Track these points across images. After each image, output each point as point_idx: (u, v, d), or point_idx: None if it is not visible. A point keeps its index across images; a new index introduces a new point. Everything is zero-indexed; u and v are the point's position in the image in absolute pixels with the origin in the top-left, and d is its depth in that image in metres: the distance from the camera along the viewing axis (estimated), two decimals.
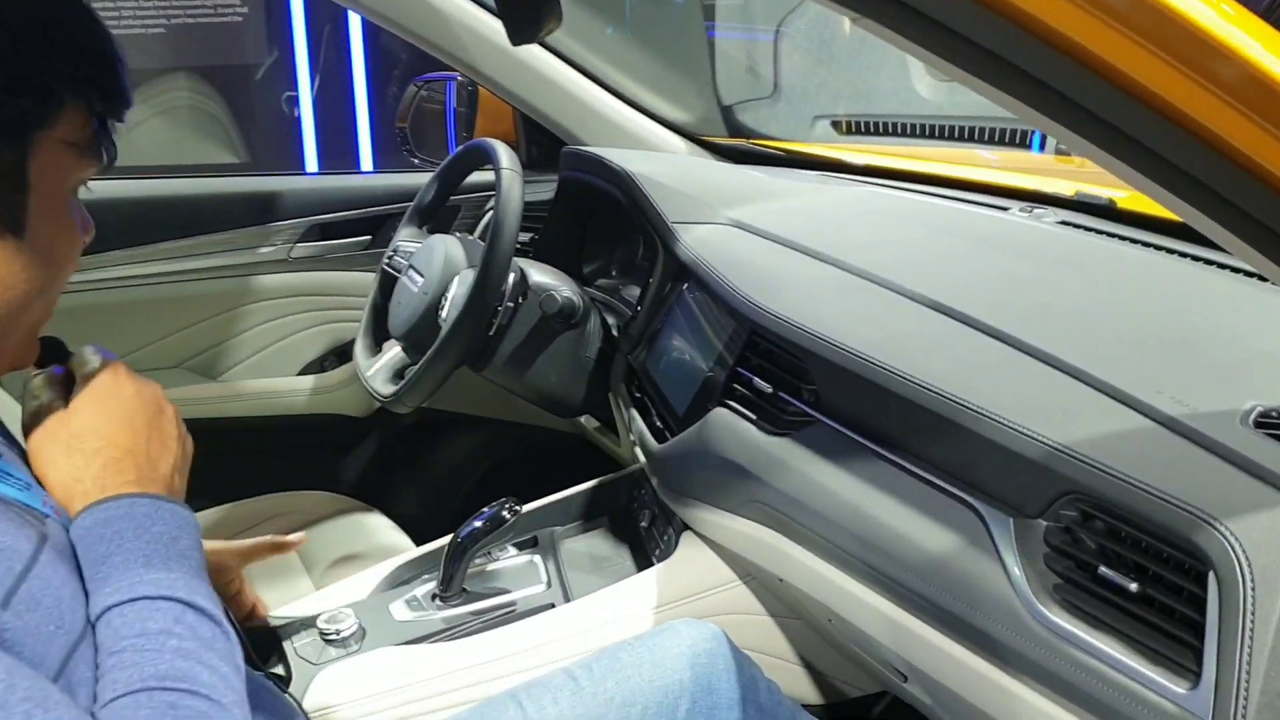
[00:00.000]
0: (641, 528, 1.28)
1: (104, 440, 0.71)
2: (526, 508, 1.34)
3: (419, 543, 1.68)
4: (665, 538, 1.21)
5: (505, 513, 1.17)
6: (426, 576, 1.28)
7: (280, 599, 1.52)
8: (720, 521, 1.09)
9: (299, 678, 1.08)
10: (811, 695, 1.20)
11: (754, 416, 1.04)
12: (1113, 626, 0.68)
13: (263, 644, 1.15)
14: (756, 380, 1.04)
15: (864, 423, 0.91)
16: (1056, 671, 0.70)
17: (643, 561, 1.25)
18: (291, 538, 1.09)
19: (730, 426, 1.06)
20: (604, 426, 1.69)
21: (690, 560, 1.14)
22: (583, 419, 1.72)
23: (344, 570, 1.55)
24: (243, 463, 1.95)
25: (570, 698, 0.93)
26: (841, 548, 0.90)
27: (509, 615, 1.16)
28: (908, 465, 0.85)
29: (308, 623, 1.16)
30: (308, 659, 1.11)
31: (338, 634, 1.12)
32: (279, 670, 1.10)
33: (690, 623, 1.00)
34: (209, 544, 0.86)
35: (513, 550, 1.31)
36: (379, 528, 1.69)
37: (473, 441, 2.02)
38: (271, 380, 1.91)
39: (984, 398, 0.80)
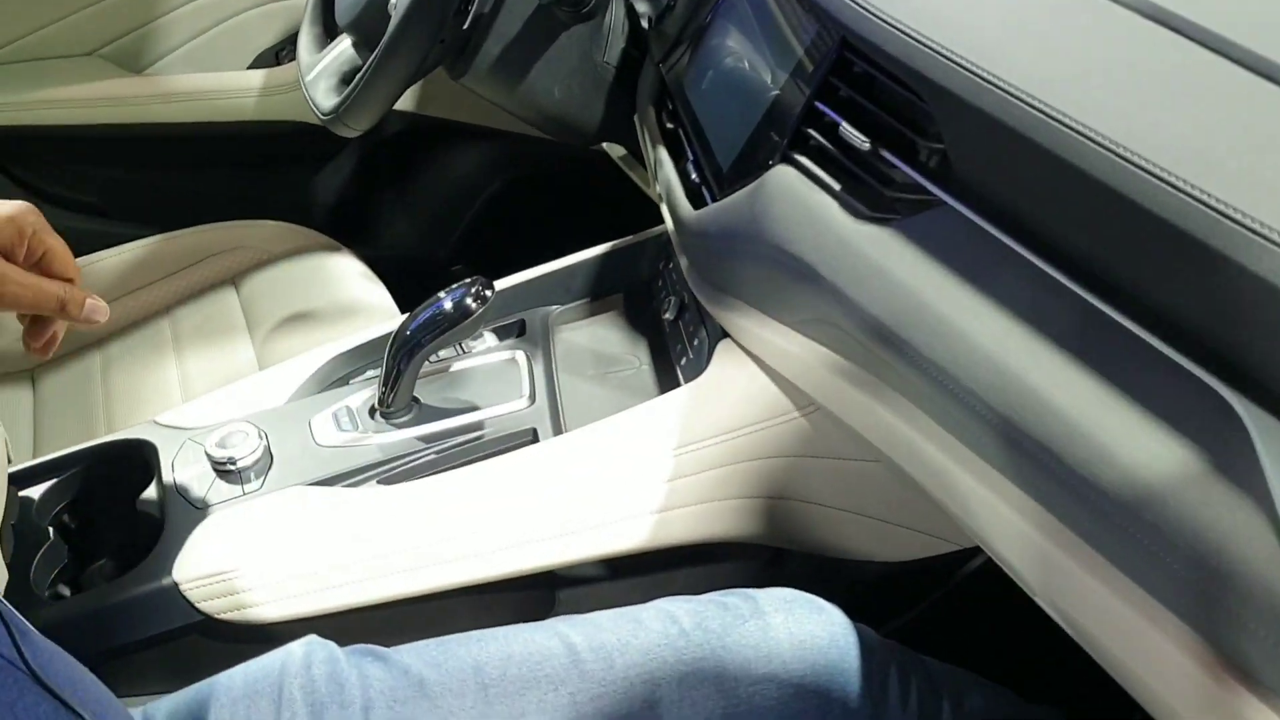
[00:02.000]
0: (665, 320, 0.95)
1: None
2: (512, 280, 1.02)
3: (399, 297, 1.40)
4: (696, 341, 0.88)
5: (470, 300, 0.84)
6: (373, 372, 0.98)
7: (215, 367, 1.25)
8: (772, 339, 0.76)
9: (174, 526, 0.81)
10: (886, 551, 0.91)
11: (836, 186, 0.68)
12: None
13: (131, 464, 0.88)
14: (845, 127, 0.68)
15: (1024, 216, 0.55)
16: None
17: (663, 367, 0.93)
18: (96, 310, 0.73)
19: (797, 197, 0.70)
20: (632, 157, 1.33)
21: (728, 382, 0.82)
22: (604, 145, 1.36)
23: (291, 334, 1.26)
24: (178, 182, 1.64)
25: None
26: (967, 425, 0.57)
27: (468, 447, 0.86)
28: (1102, 306, 0.50)
29: (195, 442, 0.87)
30: (190, 497, 0.83)
31: (231, 463, 0.84)
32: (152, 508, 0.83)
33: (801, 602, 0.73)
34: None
35: (489, 339, 1.00)
36: (347, 274, 1.39)
37: (473, 160, 1.67)
38: (214, 76, 1.55)
39: (1259, 200, 0.44)
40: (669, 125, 0.99)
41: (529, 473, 0.80)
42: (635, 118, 1.12)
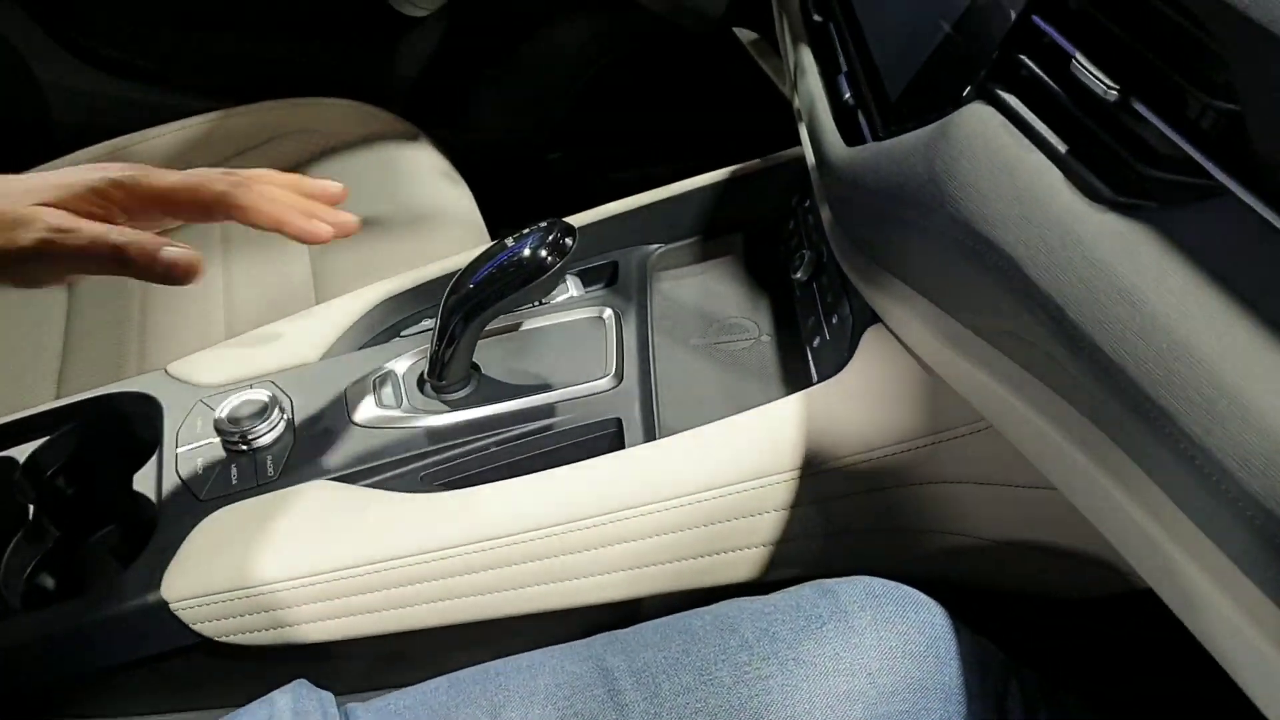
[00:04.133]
0: (796, 280, 0.77)
1: None
2: (603, 211, 0.84)
3: (487, 193, 1.24)
4: (834, 318, 0.70)
5: (545, 251, 0.68)
6: (430, 322, 0.83)
7: (265, 283, 1.11)
8: (941, 343, 0.57)
9: (169, 521, 0.68)
10: (1065, 587, 0.74)
11: (1061, 148, 0.49)
12: None
13: (134, 424, 0.75)
14: (1080, 61, 0.48)
15: None
16: None
17: (789, 344, 0.75)
18: (330, 186, 0.69)
19: (1001, 156, 0.51)
20: (766, 44, 1.12)
21: (878, 386, 0.64)
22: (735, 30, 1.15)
23: (354, 247, 1.11)
24: (244, 48, 1.48)
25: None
26: (1232, 531, 0.40)
27: (536, 439, 0.71)
28: None
29: (206, 405, 0.74)
30: (192, 483, 0.70)
31: (245, 442, 0.70)
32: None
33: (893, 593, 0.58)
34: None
35: (573, 286, 0.83)
36: (425, 171, 1.23)
37: (578, 32, 1.47)
38: None
39: None
40: (817, 18, 0.79)
41: (611, 490, 0.64)
42: (773, 0, 0.91)
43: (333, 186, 0.68)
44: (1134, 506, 0.46)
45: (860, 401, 0.64)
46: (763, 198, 0.85)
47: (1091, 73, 0.47)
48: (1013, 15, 0.53)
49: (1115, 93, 0.46)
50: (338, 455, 0.70)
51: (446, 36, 1.47)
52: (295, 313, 0.87)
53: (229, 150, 1.26)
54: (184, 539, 0.66)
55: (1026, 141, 0.51)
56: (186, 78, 1.49)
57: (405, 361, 0.76)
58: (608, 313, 0.78)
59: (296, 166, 1.24)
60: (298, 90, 1.32)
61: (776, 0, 0.90)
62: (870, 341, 0.65)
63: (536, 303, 0.81)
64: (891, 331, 0.64)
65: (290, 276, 1.11)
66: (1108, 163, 0.47)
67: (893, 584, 0.59)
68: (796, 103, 0.77)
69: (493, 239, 1.11)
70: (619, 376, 0.73)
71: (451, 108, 1.50)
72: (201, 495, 0.69)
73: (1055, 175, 0.49)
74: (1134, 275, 0.43)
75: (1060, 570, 0.71)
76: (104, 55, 1.48)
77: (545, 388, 0.73)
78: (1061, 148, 0.49)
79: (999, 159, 0.51)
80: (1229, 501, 0.39)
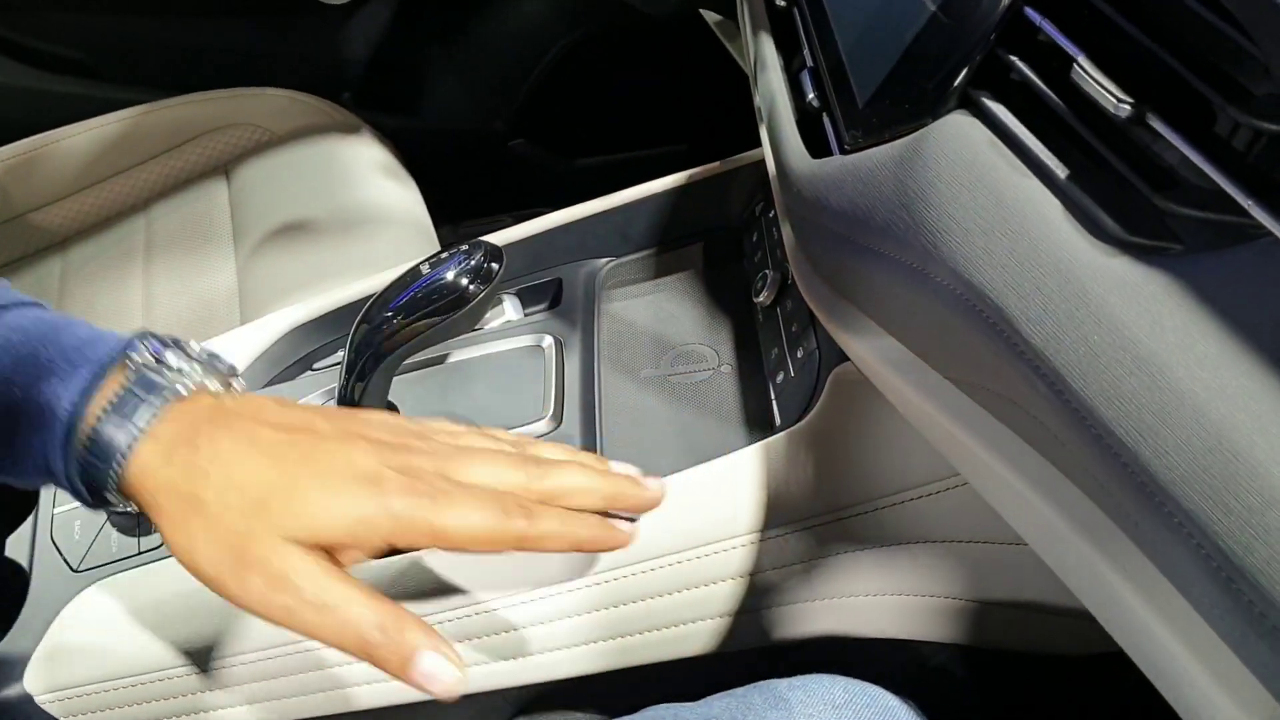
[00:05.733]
0: (758, 304, 0.68)
1: None
2: (545, 222, 0.76)
3: (434, 194, 1.15)
4: (799, 352, 0.62)
5: (468, 279, 0.59)
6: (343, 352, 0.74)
7: (186, 290, 1.03)
8: (917, 396, 0.49)
9: (41, 595, 0.60)
10: (1051, 643, 0.66)
11: (1060, 173, 0.40)
12: None
13: None
14: (1083, 64, 0.40)
15: None
16: None
17: (752, 377, 0.67)
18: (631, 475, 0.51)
19: (987, 181, 0.43)
20: (734, 25, 1.04)
21: (844, 435, 0.56)
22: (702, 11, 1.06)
23: (281, 251, 1.03)
24: (175, 36, 1.38)
25: None
26: (1252, 645, 0.32)
27: None
28: None
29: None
30: (67, 551, 0.62)
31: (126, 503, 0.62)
32: None
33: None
34: None
35: (510, 308, 0.74)
36: (365, 166, 1.15)
37: (539, 9, 1.37)
38: None
39: None
40: (780, 2, 0.70)
41: (545, 561, 0.56)
42: None
43: (632, 472, 0.52)
44: (1143, 607, 0.38)
45: (825, 453, 0.56)
46: (724, 204, 0.77)
47: (1097, 82, 0.39)
48: (1002, 6, 0.45)
49: (1128, 107, 0.38)
50: None
51: (394, 17, 1.37)
52: (219, 331, 0.79)
53: (156, 147, 1.17)
54: (53, 618, 0.58)
55: (1018, 163, 0.42)
56: (113, 69, 1.39)
57: (314, 401, 0.68)
58: (548, 341, 0.70)
59: (224, 166, 1.16)
60: (231, 80, 1.23)
61: None
62: (836, 383, 0.57)
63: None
64: (861, 371, 0.56)
65: (215, 288, 1.03)
66: (1117, 193, 0.39)
67: (858, 686, 0.51)
68: (757, 100, 0.68)
69: (441, 241, 1.02)
70: (557, 419, 0.65)
71: (398, 95, 1.40)
72: (77, 566, 0.61)
73: (1054, 207, 0.40)
74: (1152, 339, 0.35)
75: (1043, 626, 0.63)
76: (27, 47, 1.39)
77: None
78: (1061, 172, 0.40)
79: (984, 185, 0.43)
80: (1271, 633, 0.31)
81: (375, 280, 0.77)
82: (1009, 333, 0.40)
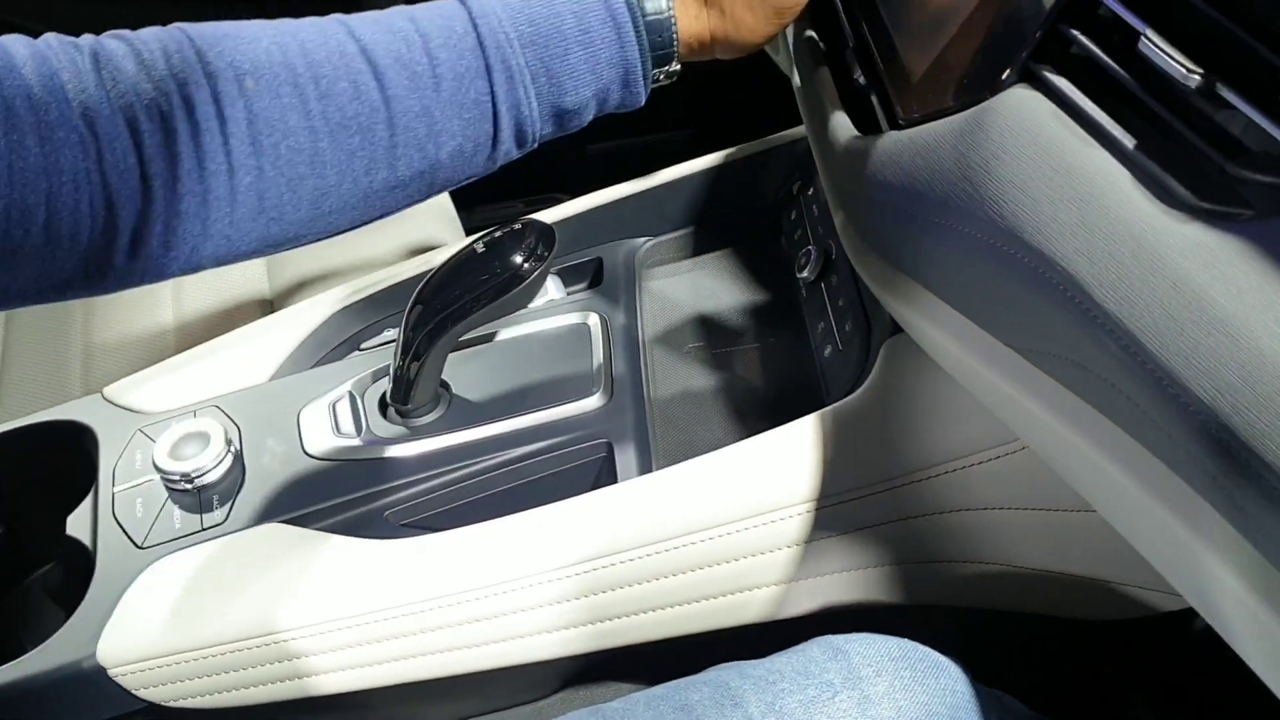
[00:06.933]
0: (802, 279, 0.69)
1: None
2: (584, 202, 0.77)
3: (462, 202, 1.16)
4: (847, 325, 0.63)
5: (521, 256, 0.61)
6: (394, 333, 0.75)
7: (217, 291, 1.03)
8: (980, 364, 0.50)
9: (107, 571, 0.61)
10: (1098, 610, 0.68)
11: (1128, 143, 0.42)
12: None
13: (70, 455, 0.68)
14: (1150, 38, 0.41)
15: None
16: None
17: (797, 352, 0.68)
18: None
19: (1054, 152, 0.44)
20: None
21: (900, 405, 0.57)
22: None
23: (310, 253, 1.03)
24: (138, 13, 1.38)
25: None
26: None
27: (516, 468, 0.64)
28: None
29: (146, 437, 0.67)
30: (130, 527, 0.63)
31: (188, 481, 0.63)
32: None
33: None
34: None
35: (553, 287, 0.76)
36: None
37: None
38: None
39: None
40: None
41: (607, 532, 0.57)
42: None
43: None
44: (1220, 567, 0.40)
45: (881, 424, 0.57)
46: (761, 184, 0.78)
47: (1167, 53, 0.40)
48: None
49: (1198, 77, 0.39)
50: (291, 493, 0.63)
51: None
52: (250, 322, 0.79)
53: None
54: (122, 594, 0.59)
55: (1084, 134, 0.43)
56: None
57: (365, 381, 0.69)
58: (593, 318, 0.71)
59: None
60: None
61: None
62: (890, 355, 0.58)
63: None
64: (915, 343, 0.57)
65: (246, 281, 1.03)
66: (1189, 162, 0.40)
67: (909, 644, 0.53)
68: (796, 80, 0.69)
69: (464, 227, 1.03)
70: (608, 393, 0.66)
71: None
72: (141, 542, 0.62)
73: (1123, 175, 0.41)
74: (1230, 300, 0.36)
75: (1089, 596, 0.65)
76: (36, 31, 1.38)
77: (525, 408, 0.66)
78: (1128, 142, 0.42)
79: (1051, 155, 0.44)
80: None
81: (413, 263, 0.78)
82: (1081, 299, 0.41)
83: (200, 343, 0.75)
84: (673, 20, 0.53)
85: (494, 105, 0.50)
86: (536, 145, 0.54)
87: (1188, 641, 0.72)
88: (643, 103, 0.54)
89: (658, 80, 0.55)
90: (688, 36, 0.55)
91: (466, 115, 0.49)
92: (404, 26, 0.49)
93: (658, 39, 0.53)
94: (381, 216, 0.52)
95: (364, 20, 0.50)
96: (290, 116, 0.46)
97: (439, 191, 0.53)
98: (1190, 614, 0.69)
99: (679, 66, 0.55)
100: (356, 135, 0.48)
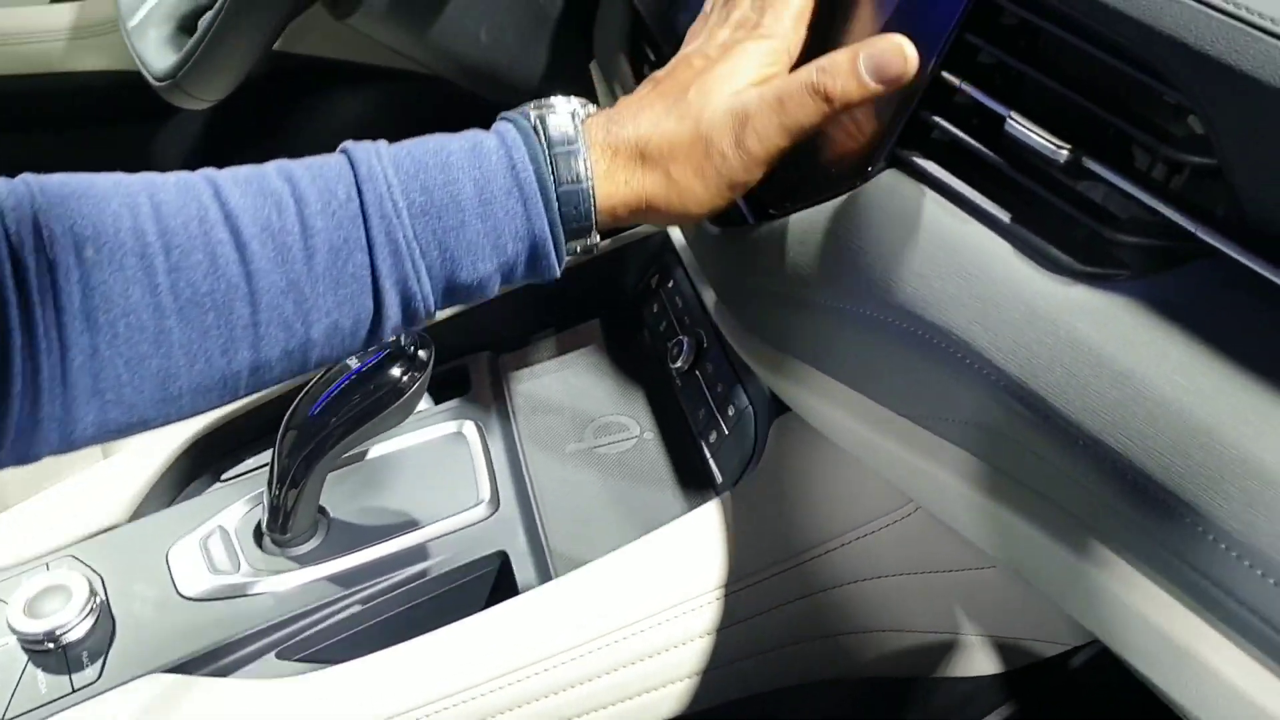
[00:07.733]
0: (675, 369, 0.70)
1: None
2: (448, 312, 0.76)
3: None
4: (730, 409, 0.64)
5: (400, 370, 0.59)
6: (266, 456, 0.72)
7: None
8: (877, 437, 0.52)
9: None
10: (988, 665, 0.70)
11: (1003, 217, 0.45)
12: None
13: None
14: (1016, 121, 0.44)
15: None
16: None
17: (677, 439, 0.69)
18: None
19: (931, 226, 0.46)
20: None
21: (797, 481, 0.58)
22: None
23: None
24: None
25: None
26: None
27: (408, 589, 0.62)
28: None
29: None
30: None
31: (51, 640, 0.58)
32: None
33: None
34: None
35: (421, 401, 0.74)
36: None
37: (362, 107, 1.37)
38: (5, 13, 1.22)
39: None
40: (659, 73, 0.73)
41: (513, 647, 0.56)
42: (592, 66, 0.86)
43: None
44: (1141, 604, 0.42)
45: (778, 503, 0.58)
46: (617, 282, 0.79)
47: (1035, 133, 0.43)
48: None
49: (1065, 153, 0.42)
50: (170, 640, 0.59)
51: (212, 118, 1.34)
52: (95, 462, 0.74)
53: None
54: None
55: (959, 212, 0.46)
56: None
57: (236, 512, 0.65)
58: (468, 426, 0.70)
59: None
60: None
61: (598, 64, 0.84)
62: (779, 433, 0.60)
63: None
64: (804, 421, 0.58)
65: None
66: (1063, 230, 0.43)
67: None
68: None
69: None
70: (495, 502, 0.65)
71: None
72: (2, 716, 0.56)
73: (1003, 247, 0.44)
74: (1126, 355, 0.39)
75: (979, 653, 0.67)
76: None
77: (410, 525, 0.64)
78: (1004, 216, 0.45)
79: (930, 232, 0.46)
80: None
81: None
82: (981, 365, 0.44)
83: (41, 488, 0.70)
84: (590, 191, 0.48)
85: (375, 280, 0.45)
86: (431, 319, 0.49)
87: (1069, 681, 0.75)
88: (557, 275, 0.49)
89: (574, 253, 0.50)
90: (614, 204, 0.49)
91: (343, 291, 0.45)
92: (279, 189, 0.45)
93: (573, 211, 0.48)
94: (251, 394, 0.47)
95: (235, 179, 0.45)
96: (133, 291, 0.42)
97: (316, 368, 0.48)
98: (1069, 654, 0.72)
99: (599, 239, 0.50)
100: (211, 313, 0.43)
